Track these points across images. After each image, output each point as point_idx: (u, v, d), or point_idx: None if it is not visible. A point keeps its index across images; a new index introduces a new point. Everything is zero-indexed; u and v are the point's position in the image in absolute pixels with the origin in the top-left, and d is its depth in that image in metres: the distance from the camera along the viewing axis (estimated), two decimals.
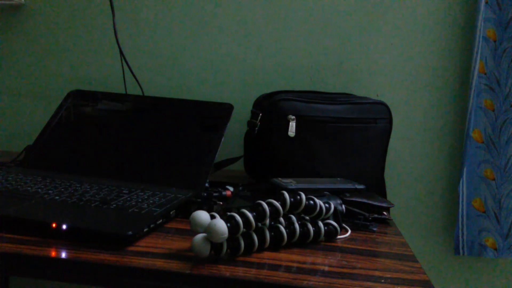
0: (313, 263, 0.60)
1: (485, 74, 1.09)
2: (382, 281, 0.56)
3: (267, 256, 0.61)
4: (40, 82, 1.23)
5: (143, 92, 1.13)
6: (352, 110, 0.94)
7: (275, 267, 0.58)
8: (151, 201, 0.72)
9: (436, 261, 1.18)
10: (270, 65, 1.17)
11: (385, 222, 0.81)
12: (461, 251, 1.11)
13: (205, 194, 0.80)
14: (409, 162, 1.16)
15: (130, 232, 0.60)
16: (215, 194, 0.82)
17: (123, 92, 1.14)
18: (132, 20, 1.19)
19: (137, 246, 0.60)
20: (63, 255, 0.56)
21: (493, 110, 1.10)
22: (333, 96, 0.99)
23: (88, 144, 0.94)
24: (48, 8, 1.22)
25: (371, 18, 1.14)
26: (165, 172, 0.86)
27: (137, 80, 1.13)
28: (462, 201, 1.10)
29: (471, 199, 1.11)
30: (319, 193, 0.77)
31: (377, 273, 0.58)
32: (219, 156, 0.90)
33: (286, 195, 0.64)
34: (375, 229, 0.76)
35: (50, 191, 0.74)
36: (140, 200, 0.72)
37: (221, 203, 0.81)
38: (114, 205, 0.69)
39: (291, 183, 0.82)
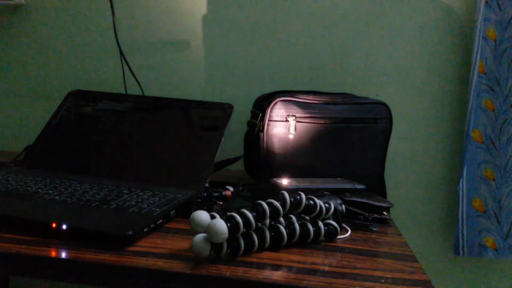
0: (313, 263, 0.60)
1: (485, 74, 1.09)
2: (382, 281, 0.56)
3: (267, 256, 0.61)
4: (40, 82, 1.23)
5: (143, 92, 1.13)
6: (352, 110, 0.94)
7: (275, 267, 0.58)
8: (151, 201, 0.72)
9: (436, 261, 1.18)
10: (270, 65, 1.17)
11: (385, 222, 0.81)
12: (461, 251, 1.11)
13: (205, 194, 0.80)
14: (409, 162, 1.16)
15: (130, 232, 0.60)
16: (215, 194, 0.82)
17: (123, 92, 1.14)
18: (132, 20, 1.19)
19: (137, 246, 0.60)
20: (63, 255, 0.56)
21: (493, 110, 1.09)
22: (333, 96, 0.99)
23: (88, 144, 0.94)
24: (48, 8, 1.22)
25: (371, 18, 1.14)
26: (165, 172, 0.86)
27: (137, 80, 1.13)
28: (462, 201, 1.10)
29: (471, 199, 1.11)
30: (319, 193, 0.77)
31: (377, 273, 0.58)
32: (219, 156, 0.90)
33: (286, 195, 0.64)
34: (375, 229, 0.76)
35: (50, 191, 0.74)
36: (140, 200, 0.72)
37: (221, 203, 0.81)
38: (114, 205, 0.69)
39: (291, 183, 0.82)
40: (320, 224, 0.67)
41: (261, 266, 0.58)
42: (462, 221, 1.10)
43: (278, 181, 0.82)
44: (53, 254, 0.56)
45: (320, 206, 0.67)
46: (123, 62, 1.11)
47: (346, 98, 0.97)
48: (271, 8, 1.16)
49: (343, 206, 0.77)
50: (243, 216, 0.59)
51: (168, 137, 0.92)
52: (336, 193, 0.80)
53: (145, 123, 0.95)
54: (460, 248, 1.11)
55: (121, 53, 1.10)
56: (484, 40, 1.08)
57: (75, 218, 0.65)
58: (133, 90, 1.14)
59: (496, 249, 1.10)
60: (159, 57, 1.19)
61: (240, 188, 0.86)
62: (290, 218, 0.66)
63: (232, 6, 1.16)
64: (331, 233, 0.68)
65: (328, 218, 0.69)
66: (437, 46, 1.14)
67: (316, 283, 0.54)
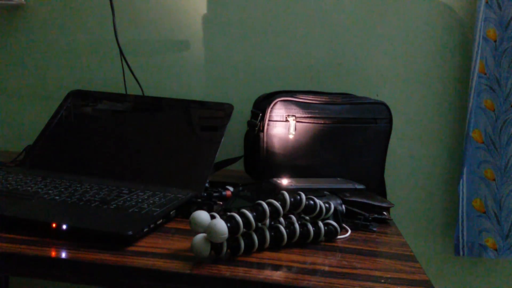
0: (313, 263, 0.60)
1: (485, 74, 1.09)
2: (382, 281, 0.56)
3: (267, 256, 0.61)
4: (40, 82, 1.23)
5: (143, 92, 1.13)
6: (352, 110, 0.94)
7: (275, 267, 0.58)
8: (151, 201, 0.72)
9: (436, 261, 1.18)
10: (270, 65, 1.17)
11: (385, 222, 0.81)
12: (461, 251, 1.11)
13: (205, 194, 0.80)
14: (409, 162, 1.16)
15: (130, 232, 0.60)
16: (215, 194, 0.82)
17: (123, 92, 1.13)
18: (132, 20, 1.19)
19: (137, 246, 0.60)
20: (63, 255, 0.56)
21: (493, 110, 1.09)
22: (333, 96, 0.99)
23: (88, 144, 0.94)
24: (48, 8, 1.21)
25: (371, 18, 1.14)
26: (165, 172, 0.86)
27: (137, 80, 1.13)
28: (462, 201, 1.10)
29: (471, 199, 1.11)
30: (319, 193, 0.77)
31: (377, 273, 0.58)
32: (219, 156, 0.90)
33: (286, 195, 0.64)
34: (375, 229, 0.76)
35: (50, 191, 0.74)
36: (140, 200, 0.72)
37: (221, 203, 0.81)
38: (114, 205, 0.69)
39: (291, 183, 0.82)
40: (320, 224, 0.67)
41: (261, 266, 0.58)
42: (462, 221, 1.10)
43: (278, 181, 0.82)
44: (53, 254, 0.56)
45: (320, 206, 0.67)
46: (123, 62, 1.11)
47: (346, 98, 0.97)
48: (271, 8, 1.16)
49: (343, 206, 0.77)
50: (243, 216, 0.59)
51: (168, 137, 0.92)
52: (336, 193, 0.80)
53: (145, 123, 0.95)
54: (460, 248, 1.11)
55: (121, 53, 1.10)
56: (484, 40, 1.08)
57: (75, 218, 0.65)
58: (133, 90, 1.14)
59: (496, 249, 1.10)
60: (159, 57, 1.19)
61: (240, 188, 0.86)
62: (290, 218, 0.66)
63: (232, 6, 1.16)
64: (331, 233, 0.68)
65: (328, 218, 0.69)
66: (437, 46, 1.14)
67: (316, 283, 0.54)
